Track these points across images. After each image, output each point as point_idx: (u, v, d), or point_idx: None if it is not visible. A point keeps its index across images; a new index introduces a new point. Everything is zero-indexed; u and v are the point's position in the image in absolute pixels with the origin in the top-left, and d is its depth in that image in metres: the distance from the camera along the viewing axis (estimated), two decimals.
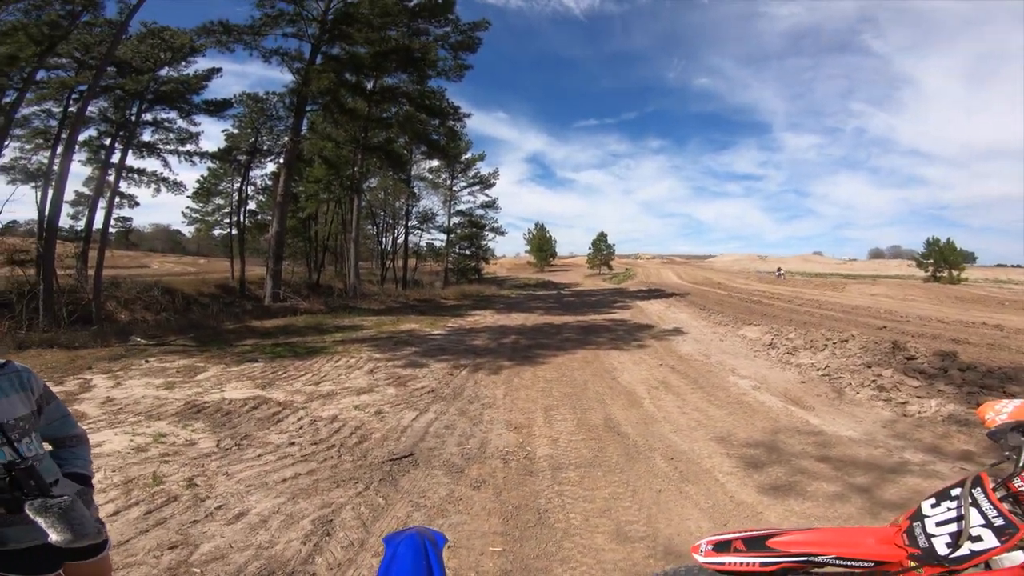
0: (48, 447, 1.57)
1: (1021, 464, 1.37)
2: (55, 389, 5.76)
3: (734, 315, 14.27)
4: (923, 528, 1.35)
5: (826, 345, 8.47)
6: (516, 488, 3.55)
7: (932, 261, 42.18)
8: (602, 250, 63.57)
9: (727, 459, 4.12)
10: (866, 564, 1.43)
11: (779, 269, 50.99)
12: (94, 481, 1.63)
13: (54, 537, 1.27)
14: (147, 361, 7.55)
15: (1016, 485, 1.34)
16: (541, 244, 62.80)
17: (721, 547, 1.64)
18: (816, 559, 1.49)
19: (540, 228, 64.15)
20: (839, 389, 6.23)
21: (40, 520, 1.27)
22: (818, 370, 7.16)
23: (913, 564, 1.32)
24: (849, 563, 1.45)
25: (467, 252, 36.02)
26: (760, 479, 3.74)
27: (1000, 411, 1.56)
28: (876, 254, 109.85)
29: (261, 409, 5.28)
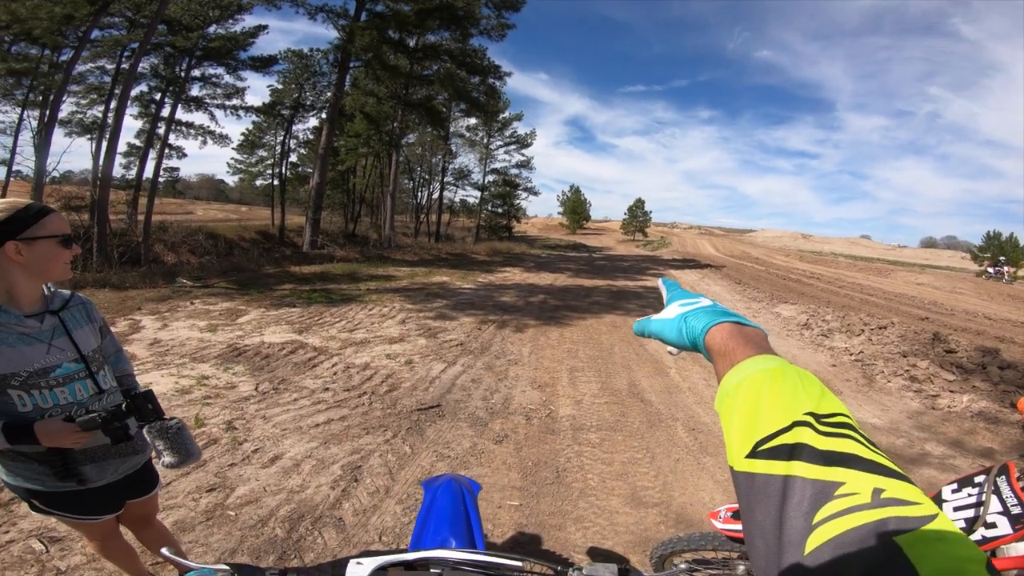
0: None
1: None
2: None
3: (770, 291, 13.89)
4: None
5: (863, 330, 8.20)
6: (537, 445, 3.66)
7: (989, 256, 39.59)
8: (638, 216, 62.11)
9: None
10: None
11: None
12: None
13: (167, 459, 1.35)
14: (192, 303, 7.92)
15: None
16: (575, 206, 61.73)
17: (740, 514, 1.67)
18: None
19: (575, 190, 62.88)
20: (870, 376, 6.07)
21: (159, 443, 1.35)
22: (851, 355, 6.97)
23: None
24: None
25: (499, 210, 35.90)
26: None
27: None
28: (928, 243, 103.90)
29: (298, 354, 5.51)
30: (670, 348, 0.71)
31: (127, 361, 1.72)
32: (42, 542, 2.26)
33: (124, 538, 1.78)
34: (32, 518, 2.35)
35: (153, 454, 1.42)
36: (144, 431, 1.36)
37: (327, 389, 4.50)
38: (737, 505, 1.76)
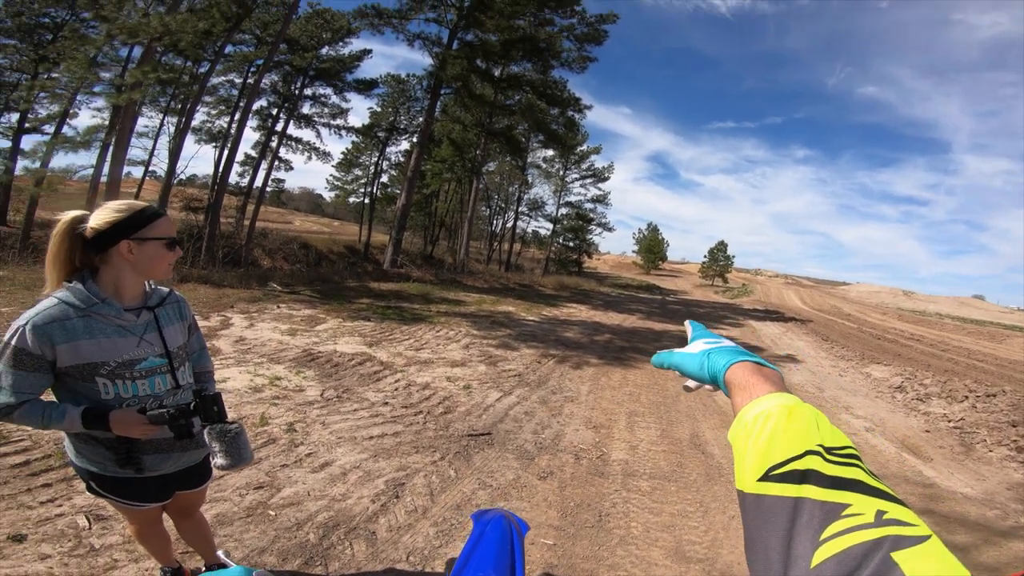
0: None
1: None
2: (201, 324, 6.72)
3: (861, 351, 12.73)
4: None
5: (967, 396, 7.31)
6: (582, 486, 3.55)
7: None
8: (718, 260, 59.68)
9: None
10: None
11: None
12: None
13: (220, 461, 1.41)
14: (278, 307, 8.56)
15: None
16: (651, 245, 60.40)
17: None
18: None
19: (652, 228, 61.68)
20: (969, 444, 5.41)
21: (216, 444, 1.41)
22: (949, 421, 6.24)
23: None
24: None
25: (571, 244, 35.85)
26: None
27: None
28: None
29: (365, 366, 5.75)
30: (688, 383, 0.77)
31: (209, 359, 1.84)
32: (88, 519, 2.42)
33: (163, 525, 1.85)
34: (86, 496, 2.54)
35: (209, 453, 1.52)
36: (205, 431, 1.43)
37: (386, 403, 4.65)
38: None
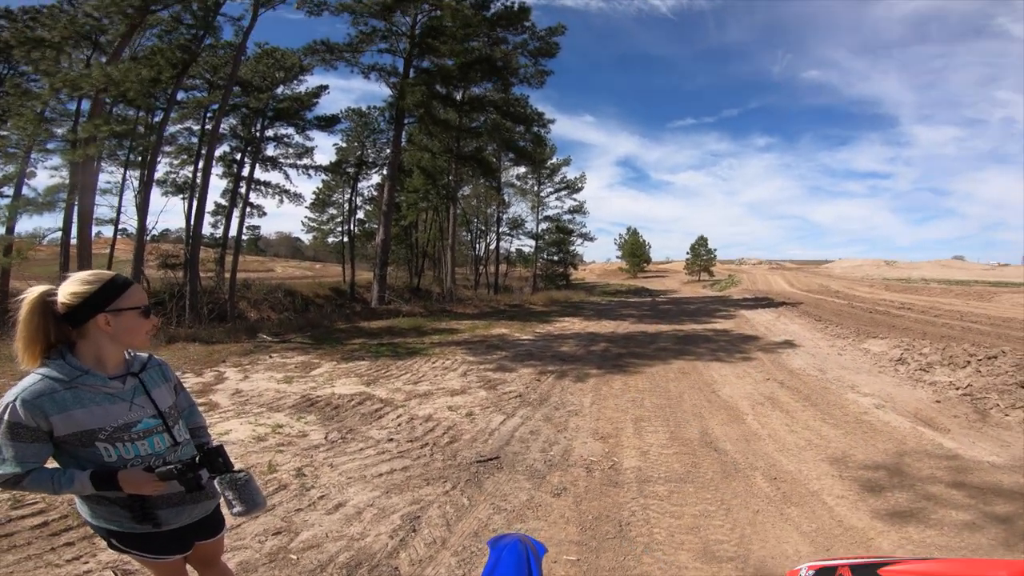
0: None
1: None
2: (195, 380, 6.63)
3: (855, 327, 12.85)
4: None
5: (968, 362, 7.36)
6: (598, 498, 3.49)
7: None
8: (701, 255, 60.28)
9: (839, 481, 3.73)
10: None
11: None
12: None
13: (237, 508, 1.43)
14: (271, 356, 8.44)
15: None
16: (634, 249, 60.91)
17: (824, 573, 1.49)
18: None
19: (632, 232, 62.29)
20: (983, 411, 5.39)
21: (229, 493, 1.43)
22: (957, 389, 6.24)
23: None
24: None
25: (555, 258, 36.05)
26: (876, 504, 3.36)
27: None
28: None
29: (365, 405, 5.68)
30: None
31: (200, 415, 1.84)
32: (115, 574, 2.43)
33: None
34: (110, 551, 2.52)
35: (222, 502, 1.50)
36: (215, 482, 1.45)
37: (391, 440, 4.58)
38: (821, 562, 1.58)
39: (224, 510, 1.65)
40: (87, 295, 1.38)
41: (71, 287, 1.38)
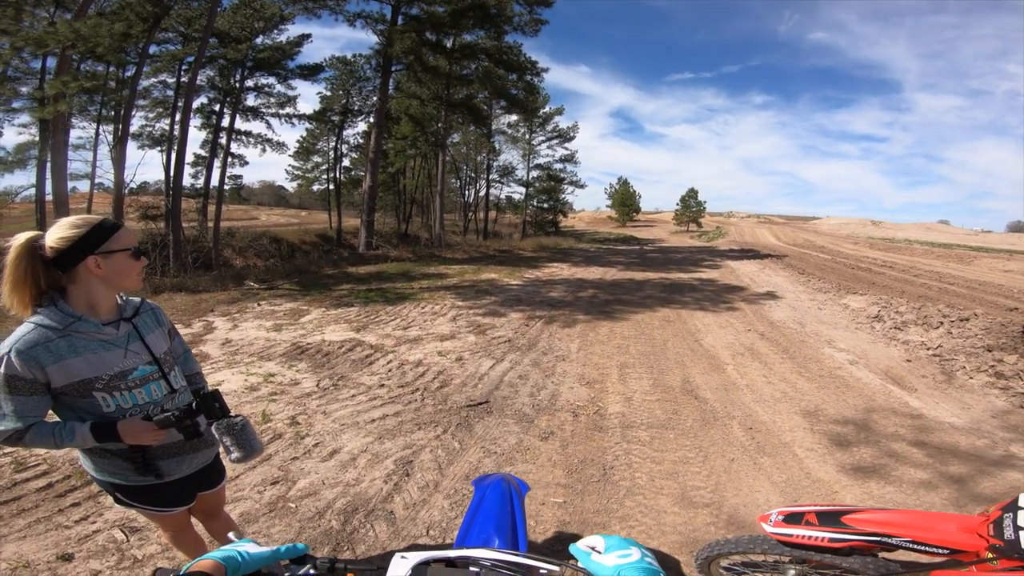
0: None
1: None
2: (184, 331, 6.60)
3: (837, 282, 13.11)
4: (1014, 520, 1.25)
5: (942, 322, 7.60)
6: (583, 442, 3.65)
7: None
8: (691, 207, 60.12)
9: (810, 434, 3.94)
10: (941, 551, 1.37)
11: None
12: None
13: (235, 454, 1.43)
14: (259, 304, 8.41)
15: None
16: (624, 198, 60.54)
17: (792, 519, 1.61)
18: (889, 540, 1.44)
19: (623, 182, 61.72)
20: (949, 372, 5.63)
21: (226, 439, 1.43)
22: (928, 349, 6.49)
23: (990, 555, 1.24)
24: (923, 547, 1.39)
25: (545, 205, 35.76)
26: (842, 458, 3.56)
27: None
28: (1016, 227, 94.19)
29: (356, 351, 5.74)
30: None
31: (195, 361, 1.84)
32: (123, 532, 2.49)
33: (195, 529, 1.91)
34: (116, 509, 2.60)
35: (221, 449, 1.52)
36: (212, 428, 1.45)
37: (382, 385, 4.68)
38: (790, 508, 1.69)
39: (223, 458, 1.67)
40: (76, 238, 1.36)
41: (59, 231, 1.36)
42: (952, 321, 7.65)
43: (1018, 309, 9.65)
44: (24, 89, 13.39)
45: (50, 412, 1.42)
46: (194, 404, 1.45)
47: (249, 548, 0.89)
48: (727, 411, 4.34)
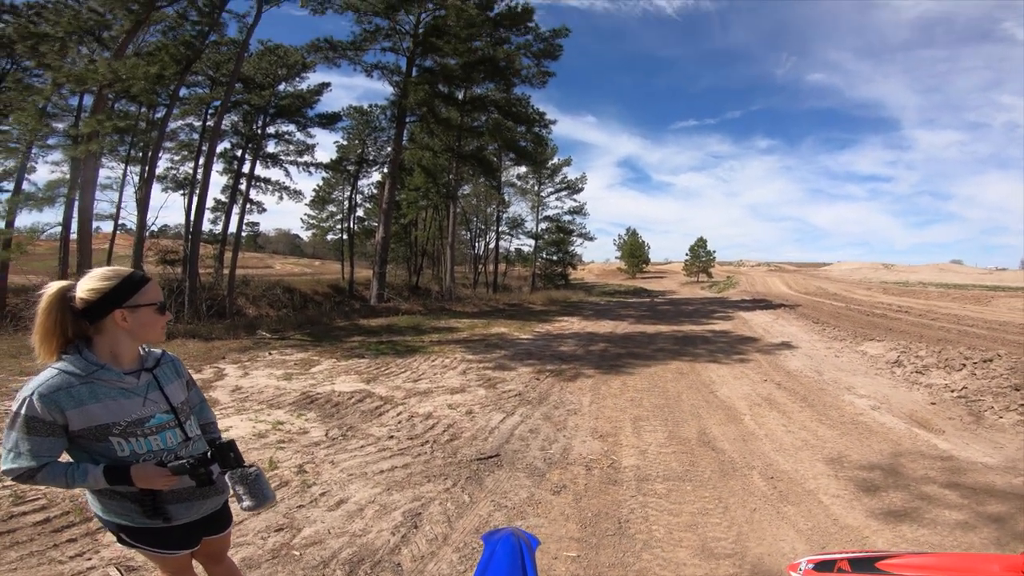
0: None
1: None
2: (195, 376, 6.62)
3: (853, 329, 12.92)
4: None
5: (964, 364, 7.42)
6: (597, 496, 3.53)
7: None
8: (700, 256, 60.28)
9: (835, 480, 3.78)
10: None
11: None
12: None
13: (247, 503, 1.44)
14: (270, 353, 8.46)
15: None
16: (633, 250, 60.96)
17: (823, 567, 1.53)
18: None
19: (632, 233, 62.33)
20: (977, 413, 5.45)
21: (239, 488, 1.44)
22: (953, 391, 6.30)
23: None
24: None
25: (554, 257, 36.08)
26: (871, 503, 3.40)
27: None
28: None
29: (365, 402, 5.71)
30: None
31: (210, 411, 1.87)
32: (119, 570, 2.42)
33: (194, 573, 1.85)
34: (113, 547, 2.54)
35: (232, 497, 1.52)
36: (226, 477, 1.46)
37: (392, 437, 4.61)
38: (820, 556, 1.61)
39: (233, 505, 1.66)
40: (106, 291, 1.40)
41: (90, 283, 1.41)
42: (975, 363, 7.47)
43: None
44: (60, 126, 14.04)
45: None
46: (209, 453, 1.47)
47: None
48: (746, 461, 4.20)
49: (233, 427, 4.69)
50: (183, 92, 16.12)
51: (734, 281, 48.96)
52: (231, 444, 1.48)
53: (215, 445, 1.47)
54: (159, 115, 16.06)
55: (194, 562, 1.85)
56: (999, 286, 35.68)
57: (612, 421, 5.34)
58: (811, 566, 1.56)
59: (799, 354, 9.56)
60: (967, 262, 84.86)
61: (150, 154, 14.48)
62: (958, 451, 4.38)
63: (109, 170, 17.76)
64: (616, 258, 65.94)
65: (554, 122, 23.99)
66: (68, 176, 12.07)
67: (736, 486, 3.71)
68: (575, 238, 35.67)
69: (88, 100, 13.08)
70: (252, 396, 5.79)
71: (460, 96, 20.81)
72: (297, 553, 2.70)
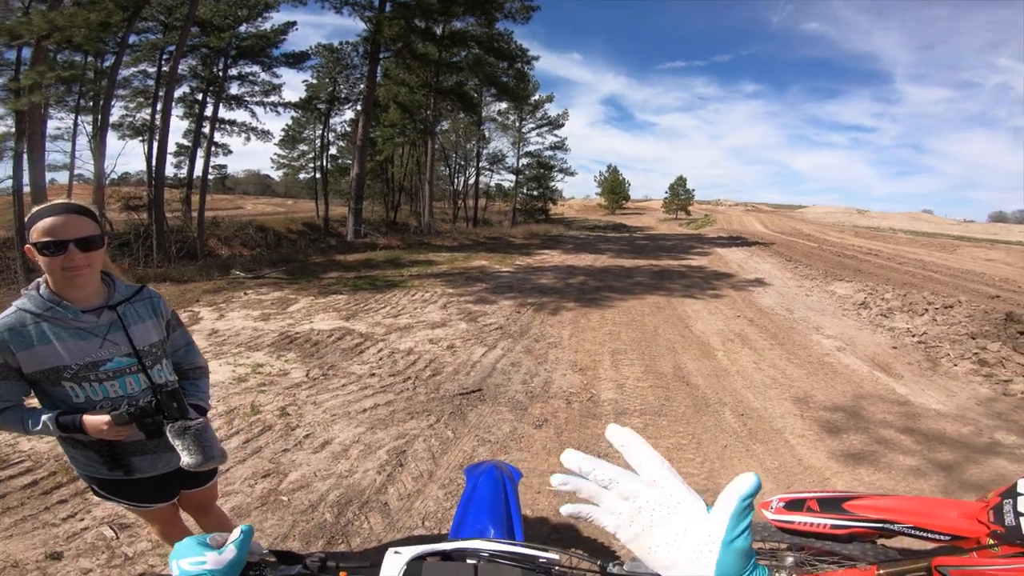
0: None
1: None
2: None
3: (824, 269, 13.24)
4: (1014, 506, 1.25)
5: (926, 310, 7.71)
6: (578, 430, 3.65)
7: None
8: (680, 195, 60.26)
9: (800, 420, 3.97)
10: (942, 537, 1.37)
11: None
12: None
13: (186, 460, 1.31)
14: (245, 294, 8.28)
15: None
16: (613, 186, 60.54)
17: (793, 505, 1.61)
18: (891, 527, 1.44)
19: (612, 170, 61.72)
20: (934, 359, 5.71)
21: (178, 442, 1.31)
22: (913, 336, 6.57)
23: (992, 542, 1.24)
24: (924, 534, 1.39)
25: (535, 193, 35.68)
26: (833, 444, 3.59)
27: None
28: (998, 217, 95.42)
29: (345, 340, 5.67)
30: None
31: (197, 354, 1.71)
32: (112, 529, 2.42)
33: (184, 524, 1.83)
34: (104, 506, 2.53)
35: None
36: (166, 429, 1.32)
37: (373, 375, 4.63)
38: (791, 495, 1.68)
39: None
40: (24, 227, 1.33)
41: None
42: (937, 308, 7.76)
43: (1000, 297, 9.83)
44: None
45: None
46: (154, 402, 1.33)
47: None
48: (719, 397, 4.36)
49: (212, 372, 4.61)
50: (133, 39, 14.97)
51: (712, 219, 49.26)
52: (175, 392, 1.34)
53: (159, 392, 1.34)
54: (108, 63, 14.95)
55: (184, 513, 1.83)
56: (966, 236, 36.67)
57: (591, 354, 5.45)
58: (782, 504, 1.64)
59: (771, 291, 9.80)
60: (938, 213, 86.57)
61: (102, 103, 13.57)
62: (914, 396, 4.58)
63: (59, 121, 16.74)
64: (596, 194, 65.47)
65: (537, 58, 22.93)
66: (13, 130, 11.23)
67: (709, 422, 3.87)
68: (556, 174, 35.14)
69: (28, 52, 11.99)
70: (229, 339, 5.70)
71: (438, 31, 19.54)
72: (285, 498, 2.72)
